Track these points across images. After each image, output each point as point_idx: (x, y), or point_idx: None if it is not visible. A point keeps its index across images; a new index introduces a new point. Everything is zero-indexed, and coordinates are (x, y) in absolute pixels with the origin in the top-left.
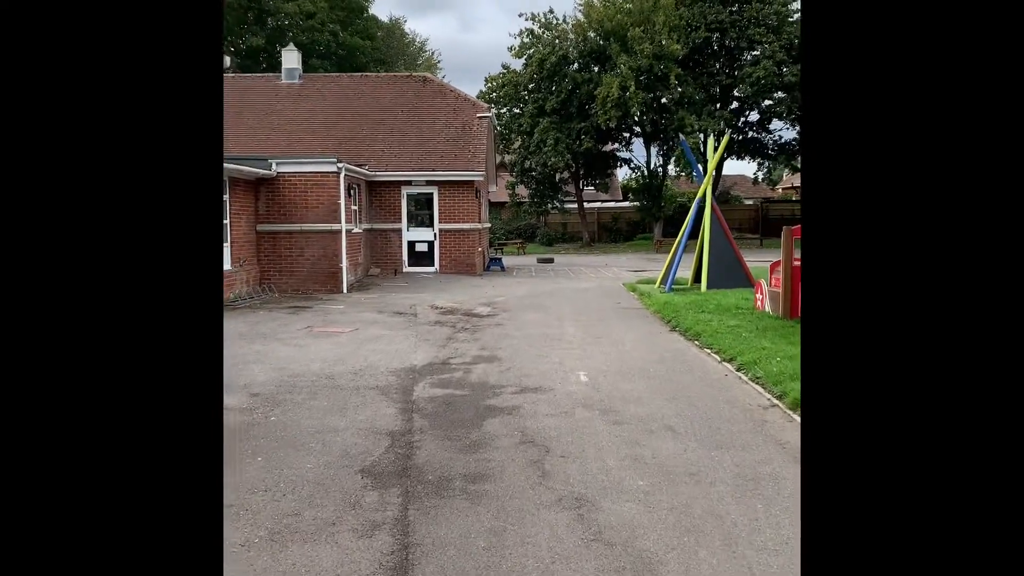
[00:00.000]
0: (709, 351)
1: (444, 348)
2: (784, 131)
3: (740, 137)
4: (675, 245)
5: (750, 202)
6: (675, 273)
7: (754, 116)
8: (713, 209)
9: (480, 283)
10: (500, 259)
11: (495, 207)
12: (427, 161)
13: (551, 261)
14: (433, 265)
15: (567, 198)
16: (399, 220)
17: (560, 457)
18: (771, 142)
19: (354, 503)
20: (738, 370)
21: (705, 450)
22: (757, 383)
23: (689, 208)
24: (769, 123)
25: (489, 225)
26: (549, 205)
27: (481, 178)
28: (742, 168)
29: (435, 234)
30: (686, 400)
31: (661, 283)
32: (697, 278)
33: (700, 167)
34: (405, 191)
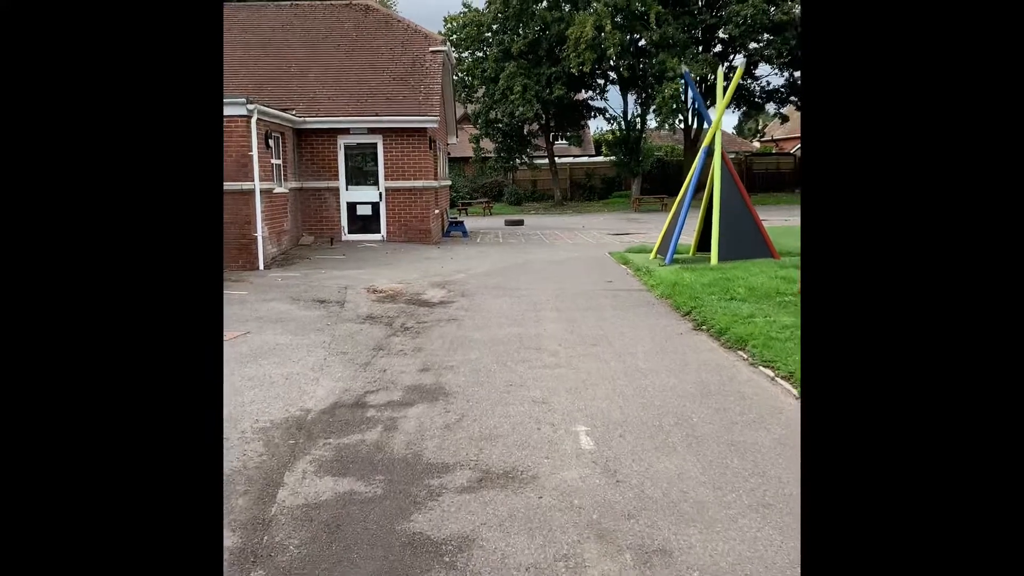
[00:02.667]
0: (772, 372)
1: (366, 369)
2: (772, 76)
3: (725, 84)
4: (676, 204)
5: (731, 156)
6: (677, 240)
7: (739, 60)
8: (724, 161)
9: (436, 254)
10: (462, 223)
11: (457, 162)
12: (369, 104)
13: (520, 223)
14: (379, 232)
15: (536, 152)
16: (336, 177)
17: None
18: (758, 89)
19: None
20: None
21: None
22: None
23: (668, 163)
24: (755, 68)
25: (449, 183)
26: (517, 160)
27: (435, 125)
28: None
29: (380, 194)
30: (786, 503)
31: (658, 253)
32: (703, 246)
33: (703, 107)
34: (343, 141)
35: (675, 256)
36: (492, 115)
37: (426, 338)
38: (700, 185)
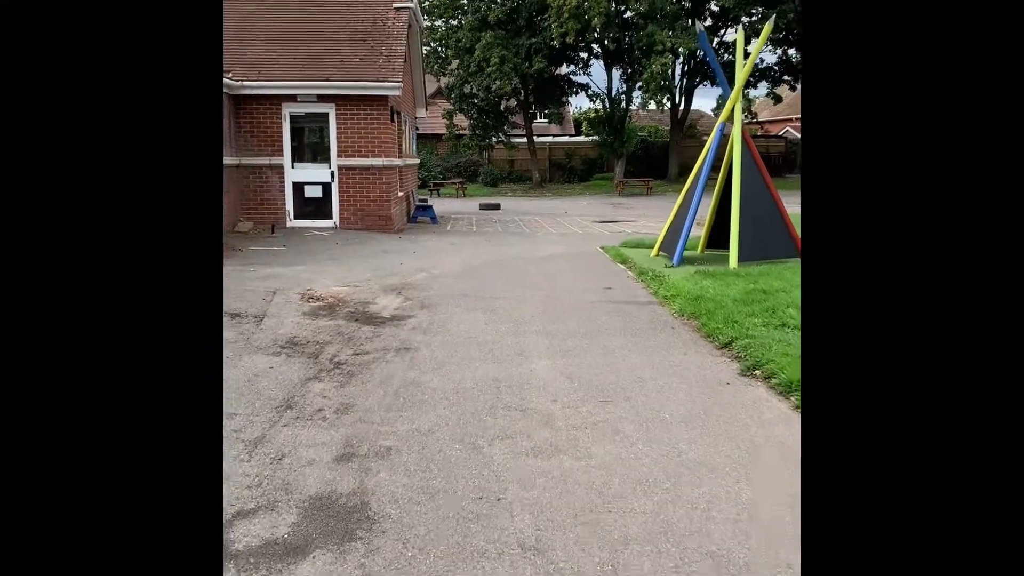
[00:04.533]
0: None
1: (252, 456)
2: (765, 54)
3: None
4: (685, 191)
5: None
6: (687, 236)
7: (731, 35)
8: (746, 139)
9: (397, 245)
10: (430, 207)
11: (429, 140)
12: (321, 67)
13: (497, 207)
14: (330, 218)
15: (514, 131)
16: (280, 152)
17: None
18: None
19: None
20: None
21: None
22: None
23: (652, 145)
24: (748, 43)
25: (417, 161)
26: (493, 138)
27: (397, 93)
28: (698, 104)
29: (332, 173)
30: None
31: (662, 250)
32: (715, 242)
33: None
34: (288, 110)
35: (683, 255)
36: (467, 89)
37: (361, 385)
38: (712, 168)
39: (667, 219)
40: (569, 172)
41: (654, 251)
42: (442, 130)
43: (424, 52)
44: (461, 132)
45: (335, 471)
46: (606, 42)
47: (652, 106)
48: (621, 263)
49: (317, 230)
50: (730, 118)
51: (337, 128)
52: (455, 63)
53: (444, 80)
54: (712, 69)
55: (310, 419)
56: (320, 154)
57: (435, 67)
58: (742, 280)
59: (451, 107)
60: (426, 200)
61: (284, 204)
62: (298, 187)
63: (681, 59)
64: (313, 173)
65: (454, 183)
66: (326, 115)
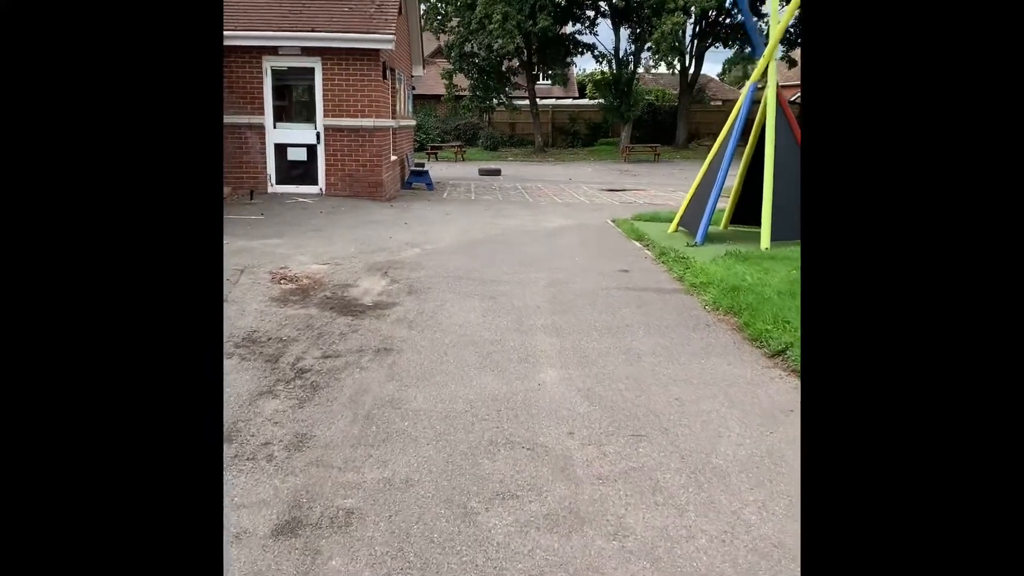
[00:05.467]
0: None
1: None
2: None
3: (728, 20)
4: (710, 160)
5: (718, 103)
6: (712, 212)
7: None
8: (781, 102)
9: (387, 215)
10: (426, 172)
11: (427, 100)
12: (305, 16)
13: (497, 173)
14: (316, 183)
15: (516, 92)
16: (260, 111)
17: None
18: (764, 27)
19: None
20: None
21: None
22: None
23: (659, 109)
24: (761, 3)
25: (413, 123)
26: (494, 100)
27: (390, 46)
28: (705, 68)
29: (318, 134)
30: None
31: (681, 224)
32: (741, 217)
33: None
34: (269, 64)
35: (708, 231)
36: (467, 47)
37: (325, 405)
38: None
39: (679, 188)
40: (572, 136)
41: (672, 226)
42: (441, 91)
43: (423, 8)
44: (461, 93)
45: (268, 555)
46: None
47: (662, 68)
48: (636, 239)
49: (301, 196)
50: (762, 79)
51: (323, 84)
52: (455, 20)
53: (444, 38)
54: (744, 25)
55: (251, 459)
56: (304, 113)
57: (434, 24)
58: (782, 265)
59: (451, 67)
60: (423, 164)
61: (265, 168)
62: (280, 149)
63: (692, 19)
64: (297, 134)
65: (453, 147)
66: (311, 70)
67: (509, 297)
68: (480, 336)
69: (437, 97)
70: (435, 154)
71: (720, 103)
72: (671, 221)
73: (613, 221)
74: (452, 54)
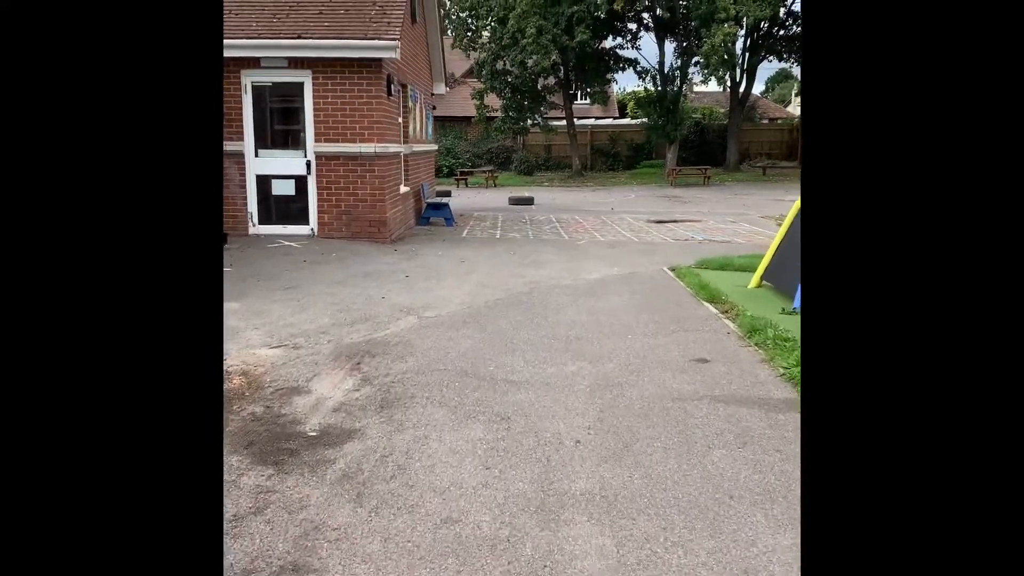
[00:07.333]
0: None
1: None
2: None
3: (780, 32)
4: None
5: (765, 121)
6: None
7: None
8: None
9: (387, 264)
10: (446, 205)
11: (458, 123)
12: (291, 20)
13: (530, 202)
14: (306, 222)
15: (552, 112)
16: (239, 135)
17: None
18: None
19: None
20: None
21: None
22: None
23: (707, 128)
24: None
25: (433, 147)
26: (529, 121)
27: (394, 55)
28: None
29: (309, 163)
30: None
31: (766, 278)
32: None
33: None
34: (249, 79)
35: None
36: (499, 65)
37: None
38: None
39: (740, 218)
40: (613, 158)
41: (754, 280)
42: (472, 112)
43: (451, 22)
44: (492, 114)
45: None
46: (659, 10)
47: (713, 85)
48: (708, 300)
49: (288, 239)
50: None
51: (315, 103)
52: (486, 35)
53: (474, 55)
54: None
55: None
56: (293, 138)
57: (464, 40)
58: None
59: (482, 85)
60: (448, 194)
61: (245, 204)
62: (263, 181)
63: (744, 30)
64: (283, 163)
65: (484, 172)
66: (300, 85)
67: (531, 417)
68: (475, 529)
69: (468, 119)
70: (465, 180)
71: (767, 121)
72: (749, 271)
73: (671, 270)
74: (483, 72)
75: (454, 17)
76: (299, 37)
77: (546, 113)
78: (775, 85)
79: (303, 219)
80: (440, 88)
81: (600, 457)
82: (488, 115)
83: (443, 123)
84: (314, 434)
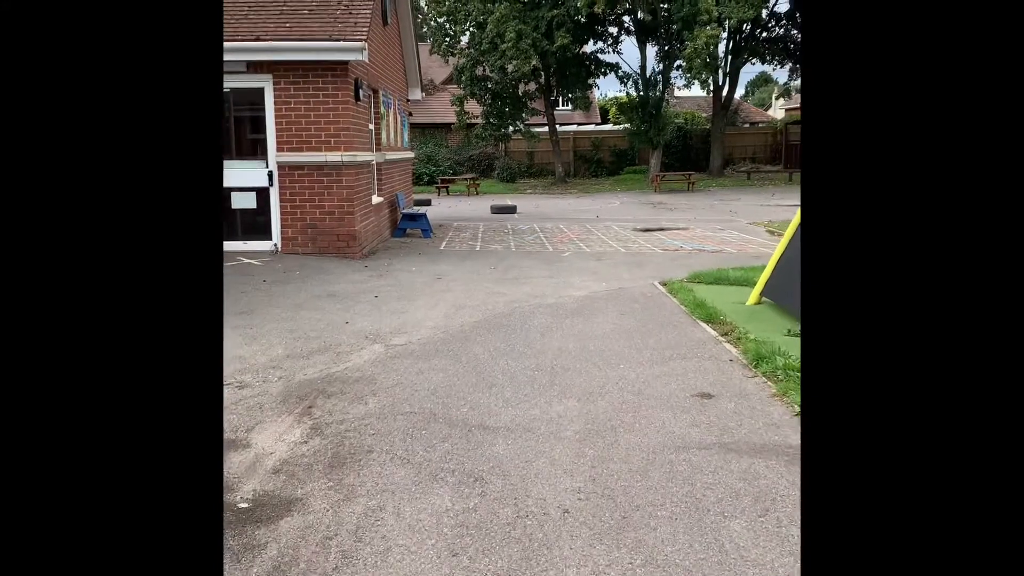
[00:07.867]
0: None
1: None
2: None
3: (763, 34)
4: None
5: (747, 125)
6: None
7: (783, 5)
8: None
9: (354, 284)
10: (423, 215)
11: (438, 130)
12: (250, 21)
13: (512, 210)
14: (269, 236)
15: (533, 118)
16: None
17: None
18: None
19: None
20: None
21: None
22: None
23: (690, 133)
24: (798, 15)
25: (410, 155)
26: (510, 127)
27: (361, 56)
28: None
29: (271, 173)
30: None
31: (766, 294)
32: None
33: None
34: None
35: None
36: (479, 71)
37: None
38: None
39: (728, 225)
40: (596, 165)
41: (753, 296)
42: (453, 119)
43: (429, 28)
44: (473, 121)
45: None
46: (640, 13)
47: (695, 89)
48: (705, 320)
49: (248, 256)
50: None
51: (276, 109)
52: (464, 40)
53: (454, 61)
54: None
55: None
56: (253, 148)
57: (443, 46)
58: None
59: (461, 91)
60: (427, 203)
61: None
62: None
63: (726, 32)
64: (243, 175)
65: (466, 179)
66: (260, 91)
67: (510, 477)
68: None
69: (448, 126)
70: (446, 188)
71: (748, 125)
72: (745, 285)
73: (663, 285)
74: (463, 78)
75: (432, 23)
76: (258, 39)
77: (528, 119)
78: (754, 89)
79: (265, 234)
80: (416, 94)
81: (593, 533)
82: (469, 122)
83: (423, 130)
84: (245, 506)
